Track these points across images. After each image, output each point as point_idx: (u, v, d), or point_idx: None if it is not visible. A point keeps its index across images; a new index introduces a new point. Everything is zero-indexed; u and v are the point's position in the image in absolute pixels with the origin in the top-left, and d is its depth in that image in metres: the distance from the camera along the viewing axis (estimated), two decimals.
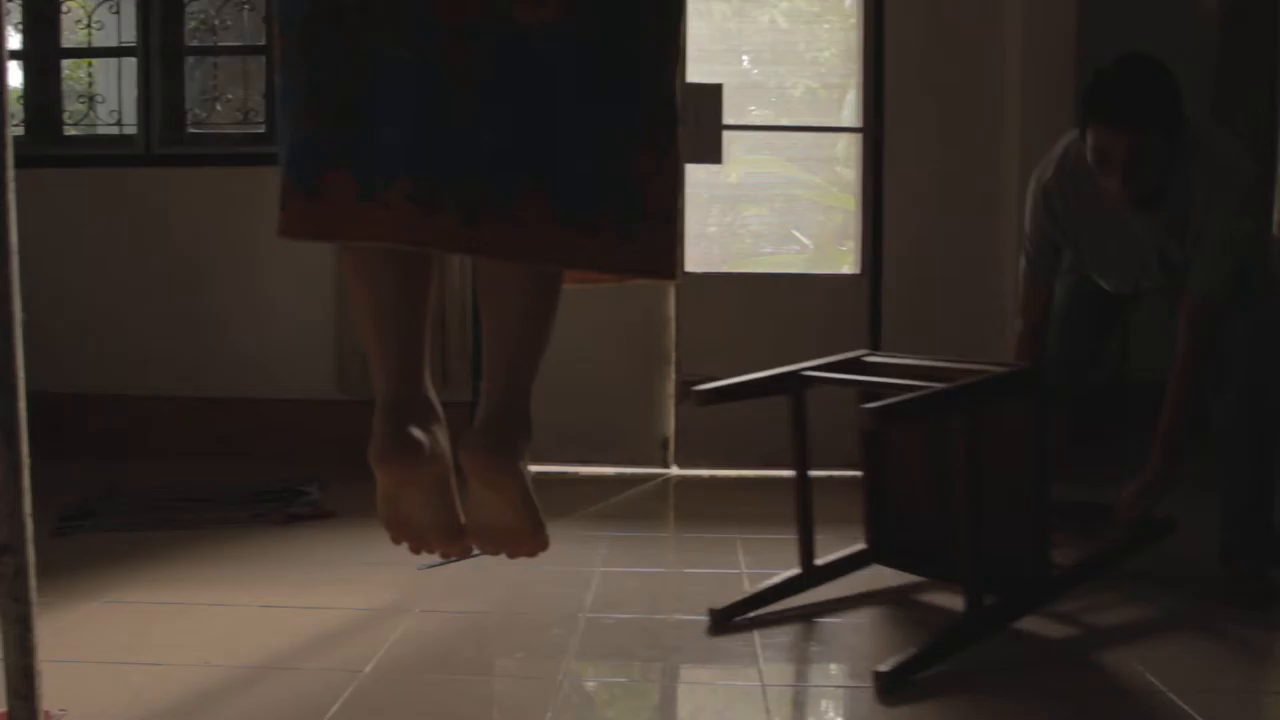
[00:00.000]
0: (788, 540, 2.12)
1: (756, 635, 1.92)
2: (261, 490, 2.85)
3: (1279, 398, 2.20)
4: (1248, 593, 2.13)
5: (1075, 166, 2.21)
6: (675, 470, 3.42)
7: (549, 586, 2.19)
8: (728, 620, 1.95)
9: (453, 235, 1.11)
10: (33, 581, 1.49)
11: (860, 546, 2.19)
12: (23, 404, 1.48)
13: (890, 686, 1.65)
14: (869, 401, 1.68)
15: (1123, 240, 2.27)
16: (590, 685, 1.77)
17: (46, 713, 1.51)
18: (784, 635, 1.93)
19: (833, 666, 1.89)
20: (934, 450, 2.06)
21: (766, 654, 1.84)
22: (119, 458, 3.27)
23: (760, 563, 2.32)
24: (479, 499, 1.28)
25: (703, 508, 3.04)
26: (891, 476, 2.16)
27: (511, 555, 1.33)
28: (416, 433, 1.22)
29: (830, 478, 2.68)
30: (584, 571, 2.29)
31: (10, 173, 1.45)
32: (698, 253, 3.63)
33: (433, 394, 1.28)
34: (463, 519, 1.31)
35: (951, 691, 1.69)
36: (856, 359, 2.12)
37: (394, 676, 1.73)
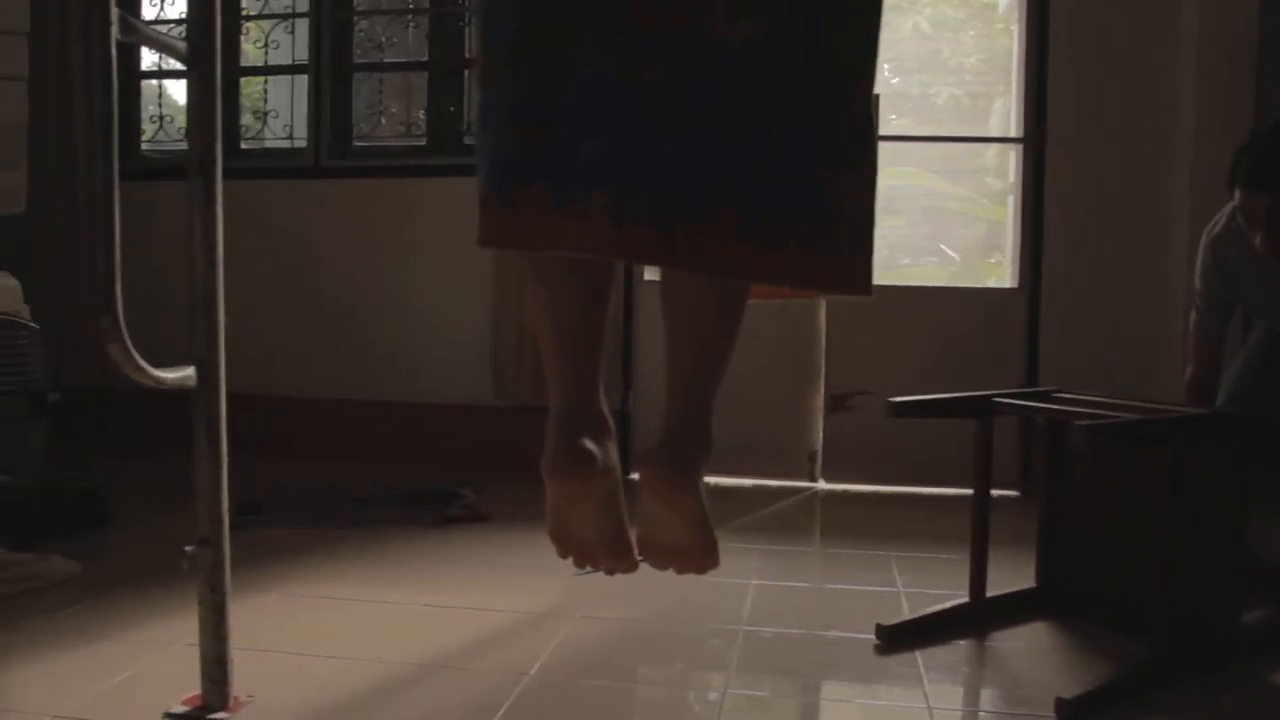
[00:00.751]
0: (942, 560, 2.08)
1: (919, 655, 1.88)
2: (419, 492, 2.94)
3: None
4: None
5: (1245, 228, 2.24)
6: (822, 484, 3.39)
7: (705, 597, 2.19)
8: (894, 640, 1.92)
9: (648, 247, 1.12)
10: (228, 573, 1.58)
11: (1030, 585, 2.14)
12: (223, 404, 1.57)
13: (1072, 716, 1.60)
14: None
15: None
16: (750, 700, 1.76)
17: (236, 698, 1.59)
18: (948, 656, 1.89)
19: (1001, 692, 1.83)
20: (1121, 489, 2.01)
21: (931, 675, 1.80)
22: (282, 458, 3.42)
23: (916, 582, 2.28)
24: (653, 514, 1.28)
25: (852, 523, 3.00)
26: (1071, 514, 2.11)
27: (680, 571, 1.32)
28: (590, 445, 1.22)
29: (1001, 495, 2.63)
30: (739, 584, 2.29)
31: (218, 187, 1.54)
32: None
33: (605, 407, 1.29)
34: (631, 535, 1.31)
35: None
36: (1047, 393, 2.11)
37: (558, 680, 1.75)
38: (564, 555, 1.34)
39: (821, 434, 3.39)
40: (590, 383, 1.26)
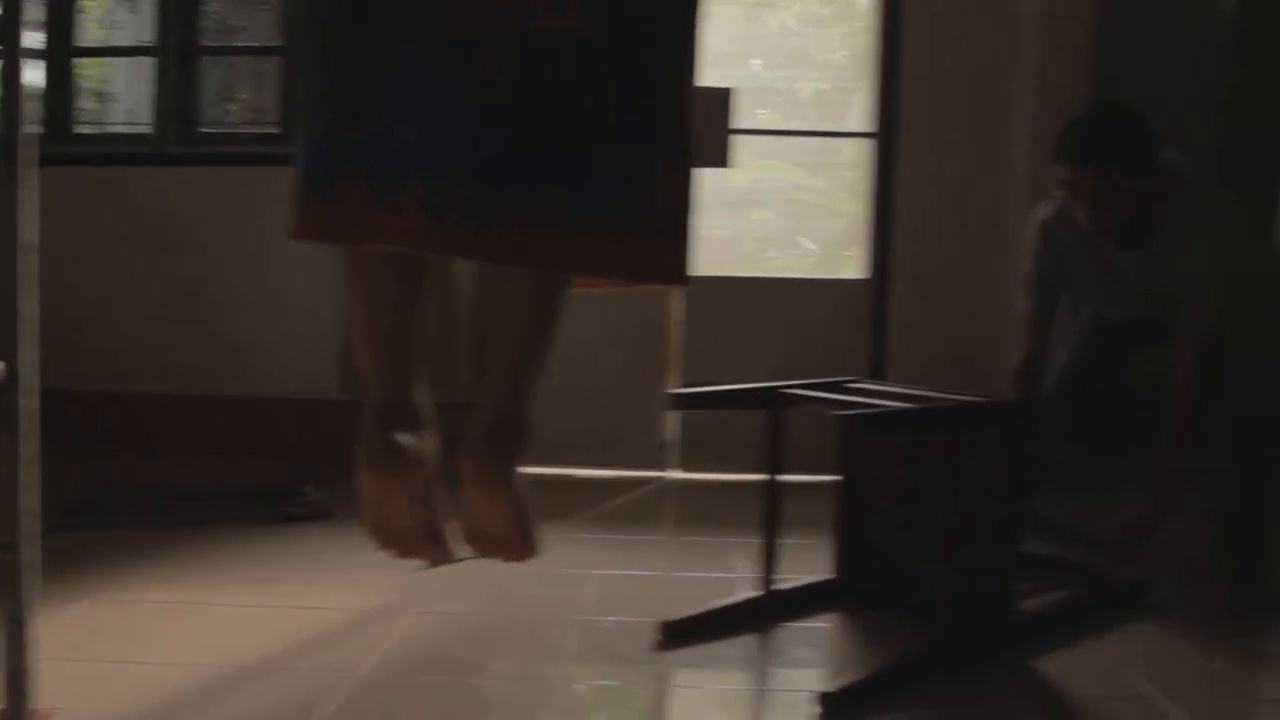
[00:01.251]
0: (787, 545, 2.12)
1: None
2: (259, 490, 2.87)
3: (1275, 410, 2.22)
4: (1242, 602, 2.14)
5: (1071, 207, 2.31)
6: (675, 473, 3.43)
7: (546, 589, 2.20)
8: (678, 636, 1.90)
9: (464, 241, 1.12)
10: (30, 580, 1.51)
11: (828, 576, 2.16)
12: (28, 400, 1.50)
13: (836, 709, 1.61)
14: None
15: (1111, 280, 2.40)
16: (583, 688, 1.78)
17: (35, 711, 1.52)
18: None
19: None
20: (906, 479, 2.03)
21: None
22: (118, 455, 3.30)
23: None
24: (473, 505, 1.29)
25: (702, 511, 3.05)
26: (863, 508, 2.14)
27: (504, 560, 1.34)
28: (404, 438, 1.23)
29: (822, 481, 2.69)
30: (580, 574, 2.30)
31: (29, 170, 1.48)
32: (704, 257, 3.63)
33: (425, 401, 1.28)
34: (447, 525, 1.31)
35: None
36: (840, 383, 2.10)
37: (390, 678, 1.74)
38: (382, 547, 1.34)
39: (674, 424, 3.43)
40: (406, 374, 1.26)
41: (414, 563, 1.55)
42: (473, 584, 2.20)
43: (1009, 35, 3.39)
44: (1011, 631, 1.90)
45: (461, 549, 1.32)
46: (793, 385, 2.01)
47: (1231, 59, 3.43)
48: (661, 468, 3.44)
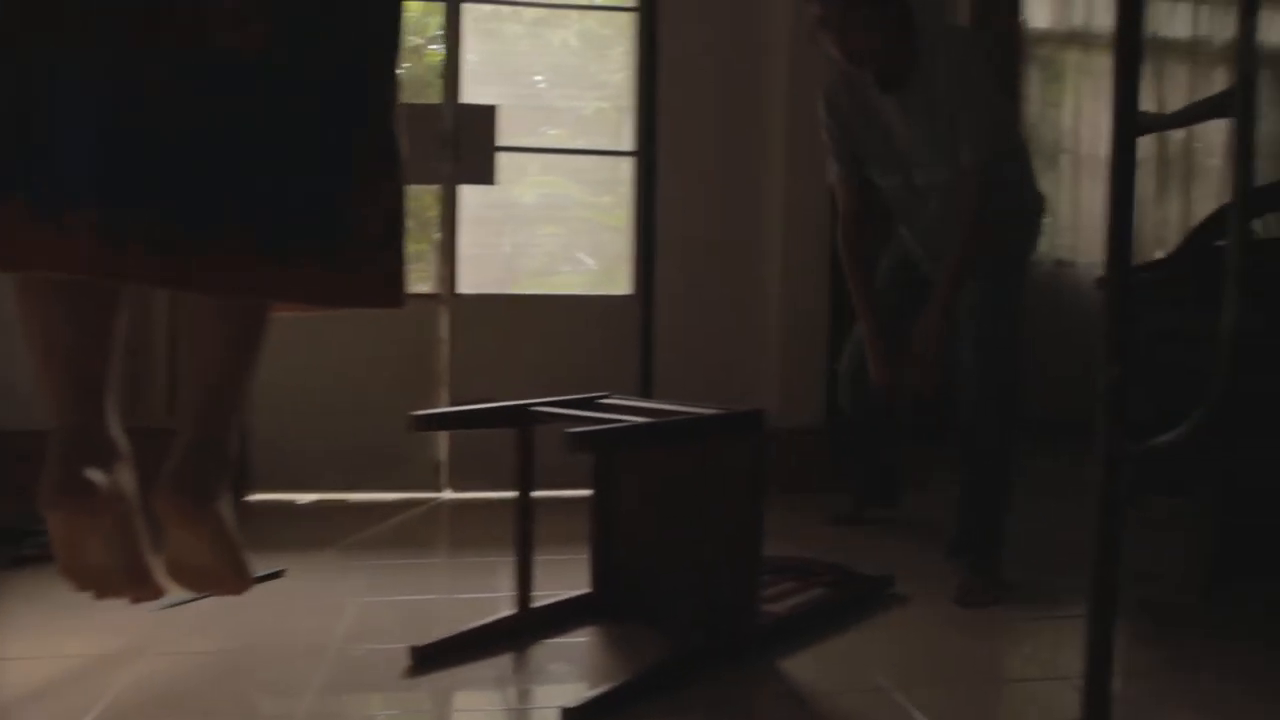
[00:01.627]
0: (559, 561, 2.13)
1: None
2: None
3: (1009, 404, 2.42)
4: (970, 590, 2.30)
5: (826, 45, 2.44)
6: (448, 494, 3.38)
7: (300, 619, 2.12)
8: (430, 660, 1.87)
9: (145, 267, 1.06)
10: None
11: (585, 591, 2.18)
12: None
13: None
14: None
15: (887, 129, 2.51)
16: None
17: None
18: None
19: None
20: (655, 491, 2.06)
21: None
22: None
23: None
24: (176, 540, 1.23)
25: (472, 532, 3.01)
26: (616, 520, 2.16)
27: (215, 595, 1.28)
28: (93, 475, 1.15)
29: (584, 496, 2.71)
30: (337, 603, 2.23)
31: None
32: (487, 272, 3.62)
33: (115, 431, 1.21)
34: (151, 562, 1.25)
35: None
36: (592, 399, 2.11)
37: None
38: (80, 589, 1.26)
39: (446, 443, 3.38)
40: (95, 406, 1.18)
41: (99, 600, 1.45)
42: (222, 620, 2.09)
43: (762, 57, 3.54)
44: (758, 634, 1.96)
45: (176, 587, 1.26)
46: (542, 402, 2.01)
47: None
48: (436, 488, 3.38)
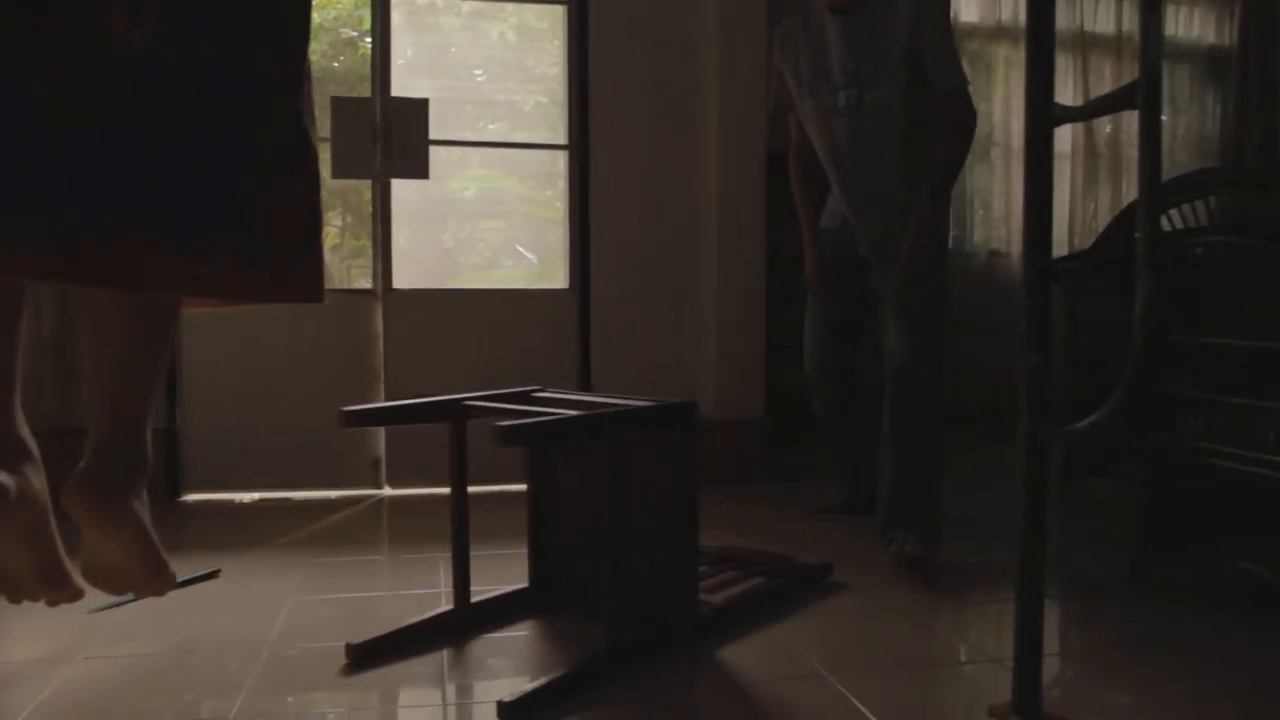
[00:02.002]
0: (497, 556, 2.12)
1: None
2: None
3: (934, 374, 2.52)
4: (908, 558, 2.40)
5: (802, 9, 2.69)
6: (387, 490, 3.36)
7: (234, 620, 2.09)
8: (367, 658, 1.86)
9: (47, 264, 1.04)
10: None
11: (523, 585, 2.18)
12: None
13: (513, 717, 1.60)
14: None
15: (824, 54, 2.65)
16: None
17: None
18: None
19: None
20: (589, 483, 2.07)
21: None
22: None
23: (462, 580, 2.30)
24: (91, 542, 1.21)
25: (411, 527, 3.00)
26: (553, 514, 2.17)
27: (138, 596, 1.26)
28: (1, 477, 1.13)
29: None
30: (274, 603, 2.20)
31: None
32: (428, 267, 3.59)
33: (24, 431, 1.19)
34: (67, 564, 1.22)
35: None
36: (526, 393, 2.11)
37: None
38: None
39: (384, 439, 3.36)
40: (3, 407, 1.16)
41: (90, 603, 1.42)
42: (152, 623, 2.05)
43: (691, 50, 3.55)
44: (696, 625, 1.97)
45: (95, 590, 1.23)
46: (474, 397, 2.00)
47: None
48: (376, 485, 3.36)
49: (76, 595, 1.25)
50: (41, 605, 1.28)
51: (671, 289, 3.57)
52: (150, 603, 1.94)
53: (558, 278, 3.70)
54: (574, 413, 1.77)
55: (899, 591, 2.33)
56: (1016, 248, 4.85)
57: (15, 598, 1.22)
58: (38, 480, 1.18)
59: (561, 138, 3.64)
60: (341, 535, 2.90)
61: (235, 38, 1.13)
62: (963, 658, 2.01)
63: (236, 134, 1.13)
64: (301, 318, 3.11)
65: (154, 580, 1.24)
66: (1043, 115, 1.38)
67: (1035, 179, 1.39)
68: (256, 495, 3.24)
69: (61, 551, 1.22)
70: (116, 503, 1.17)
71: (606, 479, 1.78)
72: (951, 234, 3.59)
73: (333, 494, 3.30)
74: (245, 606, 2.18)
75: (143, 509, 1.21)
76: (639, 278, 3.54)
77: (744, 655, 1.92)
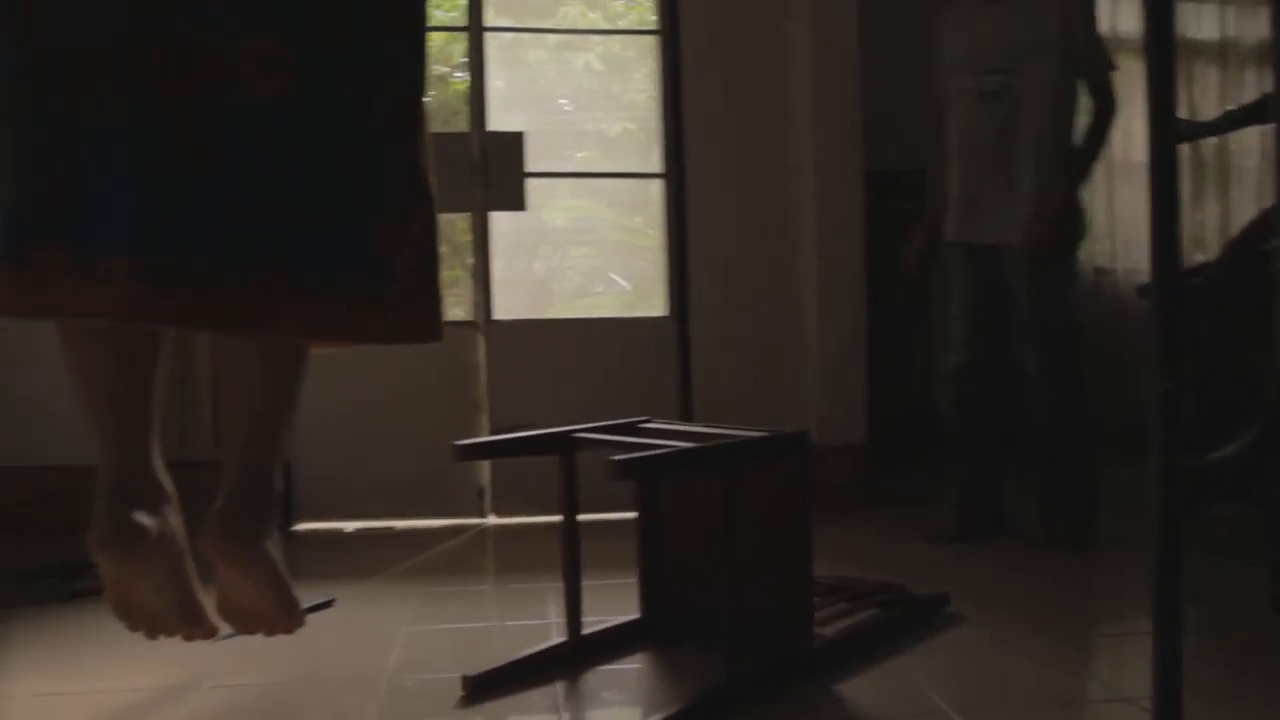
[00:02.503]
0: (607, 586, 2.12)
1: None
2: (42, 566, 2.67)
3: (1077, 392, 2.74)
4: (1065, 536, 2.63)
5: None
6: (492, 519, 3.39)
7: (351, 651, 2.12)
8: (482, 689, 1.86)
9: (183, 311, 1.07)
10: None
11: (634, 616, 2.16)
12: None
13: None
14: None
15: (974, 39, 2.82)
16: None
17: None
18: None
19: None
20: (703, 514, 2.02)
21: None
22: None
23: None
24: (225, 580, 1.23)
25: (518, 556, 3.01)
26: (663, 544, 2.15)
27: (267, 634, 1.28)
28: (141, 518, 1.16)
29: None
30: (389, 632, 2.23)
31: None
32: (522, 297, 3.63)
33: (162, 474, 1.22)
34: (202, 601, 1.25)
35: None
36: (634, 424, 2.10)
37: None
38: (133, 629, 1.27)
39: (489, 469, 3.39)
40: (140, 450, 1.19)
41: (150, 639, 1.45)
42: (275, 652, 2.07)
43: (785, 74, 3.53)
44: (811, 658, 1.94)
45: (227, 625, 1.27)
46: (583, 429, 2.01)
47: None
48: (481, 514, 3.39)
49: (211, 633, 1.28)
50: (175, 639, 1.31)
51: (770, 313, 3.54)
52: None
53: (652, 304, 3.70)
54: (688, 445, 1.76)
55: (1020, 624, 2.26)
56: (1122, 264, 4.70)
57: (153, 634, 1.26)
58: (175, 520, 1.22)
59: (650, 165, 3.65)
60: (450, 565, 2.93)
61: (360, 85, 1.15)
62: (1093, 696, 1.94)
63: (361, 179, 1.16)
64: (407, 350, 3.14)
65: (286, 618, 1.27)
66: (1166, 131, 1.31)
67: (1161, 199, 1.32)
68: (363, 524, 3.29)
69: (198, 589, 1.26)
70: (250, 544, 1.20)
71: (719, 509, 1.76)
72: None
73: (438, 523, 3.33)
74: (361, 636, 2.21)
75: (275, 548, 1.24)
76: (737, 302, 3.52)
77: (862, 690, 1.88)
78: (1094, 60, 2.72)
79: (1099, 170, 4.90)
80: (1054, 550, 2.73)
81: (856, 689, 1.88)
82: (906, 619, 2.21)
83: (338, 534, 3.27)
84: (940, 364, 3.01)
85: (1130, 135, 4.65)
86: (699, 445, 1.77)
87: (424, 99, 1.26)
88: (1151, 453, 1.38)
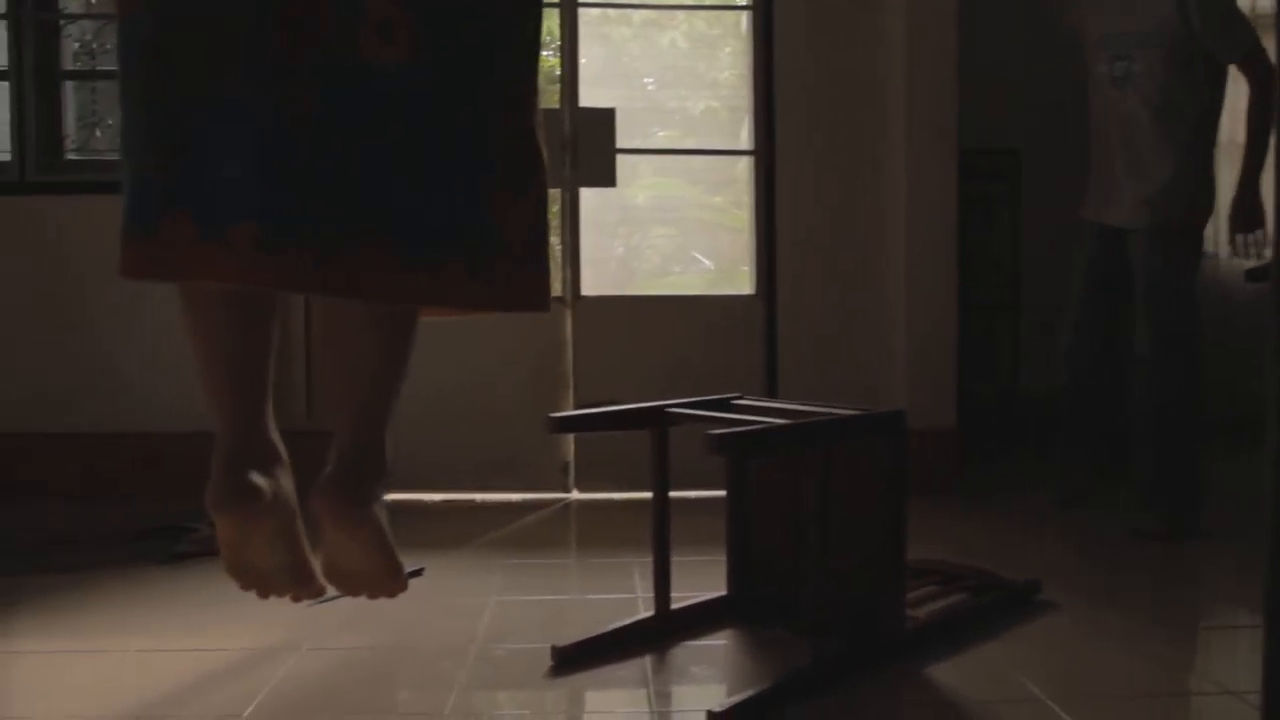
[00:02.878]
0: (691, 563, 2.12)
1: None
2: (146, 529, 2.76)
3: (1193, 367, 2.75)
4: (1166, 526, 2.65)
5: None
6: (576, 494, 3.41)
7: (443, 619, 2.16)
8: (571, 661, 1.87)
9: (301, 276, 1.09)
10: None
11: (721, 593, 2.16)
12: None
13: None
14: None
15: (1104, 24, 2.85)
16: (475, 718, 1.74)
17: None
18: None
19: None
20: (791, 493, 2.02)
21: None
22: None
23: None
24: (333, 543, 1.26)
25: (602, 532, 3.03)
26: (754, 525, 2.14)
27: (371, 597, 1.31)
28: (257, 479, 1.19)
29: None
30: (478, 602, 2.27)
31: None
32: (603, 274, 3.64)
33: (275, 436, 1.25)
34: (312, 561, 1.28)
35: None
36: (726, 400, 2.09)
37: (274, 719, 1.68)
38: (245, 587, 1.30)
39: (573, 444, 3.41)
40: (256, 413, 1.22)
41: (261, 598, 1.49)
42: (369, 617, 2.13)
43: (878, 50, 3.47)
44: (902, 640, 1.92)
45: (331, 587, 1.30)
46: (676, 404, 2.01)
47: None
48: (565, 489, 3.41)
49: (319, 592, 1.31)
50: (283, 599, 1.34)
51: (859, 294, 3.49)
52: (365, 599, 2.02)
53: (736, 283, 3.68)
54: (784, 421, 1.75)
55: (1115, 613, 2.21)
56: (1224, 248, 4.54)
57: (264, 593, 1.29)
58: (287, 482, 1.24)
59: (734, 142, 3.62)
60: (534, 538, 2.96)
61: (476, 52, 1.16)
62: (1193, 688, 1.89)
63: (476, 146, 1.17)
64: (496, 324, 3.18)
65: (390, 581, 1.30)
66: None
67: None
68: (447, 496, 3.34)
69: (308, 550, 1.29)
70: (359, 507, 1.22)
71: (811, 488, 1.75)
72: None
73: (521, 497, 3.37)
74: (451, 605, 2.25)
75: (382, 513, 1.26)
76: (825, 282, 3.48)
77: (952, 674, 1.85)
78: (1223, 43, 2.71)
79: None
80: (1153, 540, 2.68)
81: (946, 673, 1.86)
82: (998, 604, 2.17)
83: (424, 505, 3.32)
84: (1062, 345, 3.06)
85: (1233, 112, 4.49)
86: (795, 421, 1.76)
87: (538, 66, 1.26)
88: (1267, 439, 1.33)
